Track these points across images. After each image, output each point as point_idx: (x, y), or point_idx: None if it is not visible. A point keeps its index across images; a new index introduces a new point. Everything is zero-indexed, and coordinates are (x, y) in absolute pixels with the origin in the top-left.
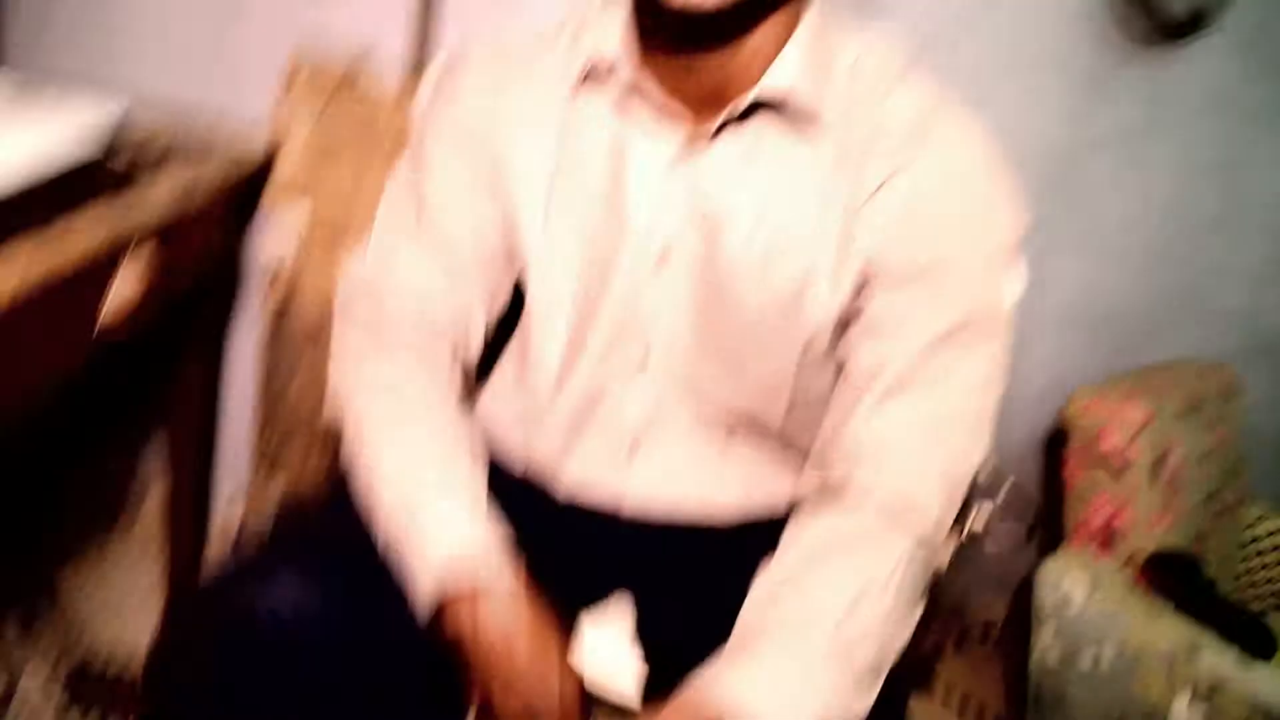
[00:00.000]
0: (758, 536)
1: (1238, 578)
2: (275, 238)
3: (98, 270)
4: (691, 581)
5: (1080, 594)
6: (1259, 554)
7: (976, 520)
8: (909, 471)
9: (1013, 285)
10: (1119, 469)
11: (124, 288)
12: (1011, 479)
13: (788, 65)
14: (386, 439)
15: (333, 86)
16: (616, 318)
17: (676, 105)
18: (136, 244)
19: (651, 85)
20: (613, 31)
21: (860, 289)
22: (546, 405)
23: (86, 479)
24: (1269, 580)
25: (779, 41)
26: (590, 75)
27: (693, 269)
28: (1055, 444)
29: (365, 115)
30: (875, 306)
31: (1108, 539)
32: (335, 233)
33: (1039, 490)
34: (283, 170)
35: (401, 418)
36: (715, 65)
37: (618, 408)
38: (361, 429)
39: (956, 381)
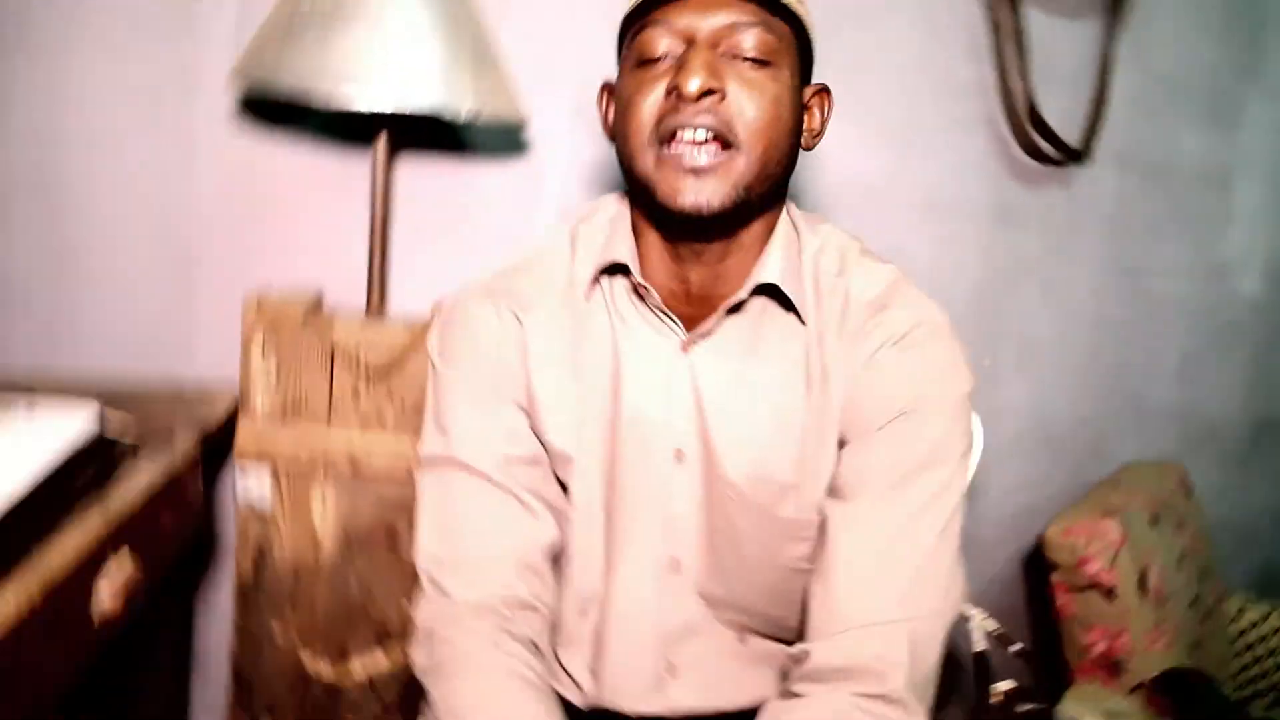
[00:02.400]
0: None
1: (1235, 675)
2: (246, 491)
3: (87, 568)
4: None
5: None
6: (1248, 647)
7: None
8: (878, 638)
9: (969, 438)
10: (1107, 592)
11: (116, 577)
12: (1021, 645)
13: (771, 264)
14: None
15: (293, 323)
16: (642, 523)
17: (674, 307)
18: (122, 530)
19: (652, 290)
20: (620, 240)
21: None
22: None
23: None
24: (1263, 673)
25: (761, 245)
26: (603, 274)
27: (700, 468)
28: (1034, 568)
29: (327, 350)
30: (843, 469)
31: (1111, 668)
32: (306, 482)
33: (1025, 616)
34: (247, 428)
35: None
36: (709, 271)
37: (655, 617)
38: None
39: (924, 528)
